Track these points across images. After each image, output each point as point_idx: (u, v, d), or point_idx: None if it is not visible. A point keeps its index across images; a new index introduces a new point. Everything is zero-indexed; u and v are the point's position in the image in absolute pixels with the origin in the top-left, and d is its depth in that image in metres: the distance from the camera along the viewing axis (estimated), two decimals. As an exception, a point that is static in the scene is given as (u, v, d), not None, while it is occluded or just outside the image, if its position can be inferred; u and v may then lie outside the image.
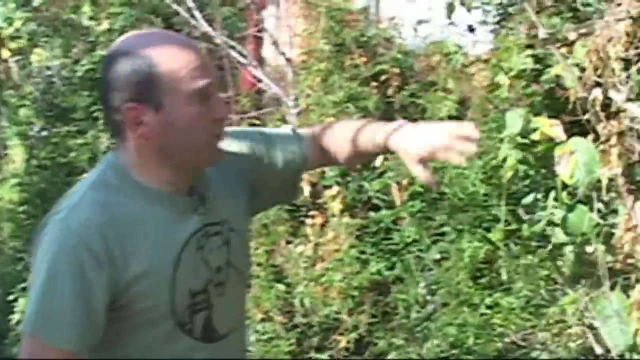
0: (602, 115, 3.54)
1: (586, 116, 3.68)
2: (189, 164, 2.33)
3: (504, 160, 4.99)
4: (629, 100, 3.41)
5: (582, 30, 4.77)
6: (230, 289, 2.41)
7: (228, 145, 2.44)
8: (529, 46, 4.94)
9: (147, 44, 2.26)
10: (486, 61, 5.23)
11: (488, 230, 5.19)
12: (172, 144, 2.27)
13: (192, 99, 2.24)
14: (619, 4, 3.59)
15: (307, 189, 5.82)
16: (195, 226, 2.33)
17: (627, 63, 3.57)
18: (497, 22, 5.22)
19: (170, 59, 2.24)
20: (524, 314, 4.95)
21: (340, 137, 2.61)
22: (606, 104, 3.62)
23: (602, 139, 3.57)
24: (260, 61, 7.58)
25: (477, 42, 5.45)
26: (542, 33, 3.78)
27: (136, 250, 2.22)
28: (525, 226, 4.70)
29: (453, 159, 2.37)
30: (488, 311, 5.09)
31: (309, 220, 5.88)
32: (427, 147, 2.36)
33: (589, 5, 4.83)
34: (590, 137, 3.79)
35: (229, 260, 2.41)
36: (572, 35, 4.75)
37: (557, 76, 4.71)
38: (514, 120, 4.29)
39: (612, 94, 3.41)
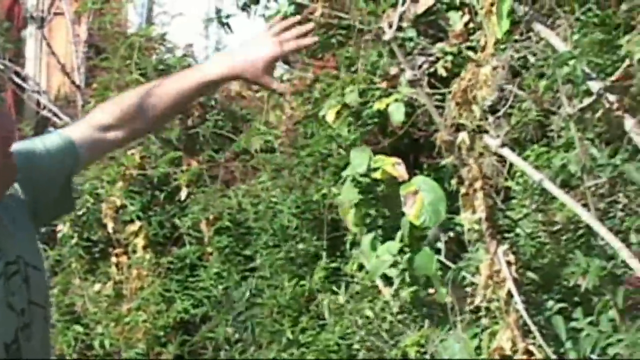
0: (468, 159, 3.47)
1: (450, 159, 3.59)
2: None
3: (324, 196, 4.90)
4: (503, 145, 3.35)
5: (402, 66, 4.74)
6: (36, 329, 2.22)
7: None
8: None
9: None
10: (301, 92, 5.09)
11: (304, 265, 5.06)
12: None
13: None
14: (484, 48, 3.54)
15: (109, 225, 5.52)
16: None
17: (491, 107, 3.53)
18: (314, 53, 5.07)
19: None
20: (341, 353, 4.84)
21: (136, 102, 2.46)
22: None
23: (467, 183, 3.48)
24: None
25: (289, 73, 5.30)
26: (409, 75, 3.66)
27: None
28: (350, 264, 4.64)
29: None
30: (305, 350, 4.95)
31: (113, 259, 5.57)
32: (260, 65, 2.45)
33: (409, 40, 4.77)
34: (454, 180, 3.73)
35: (30, 299, 2.20)
36: (393, 70, 4.72)
37: (381, 111, 4.65)
38: (359, 158, 4.18)
39: (487, 139, 3.34)
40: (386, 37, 3.69)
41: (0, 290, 2.11)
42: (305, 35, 2.53)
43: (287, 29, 2.50)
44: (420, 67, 4.83)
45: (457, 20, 4.42)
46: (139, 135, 2.61)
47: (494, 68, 3.44)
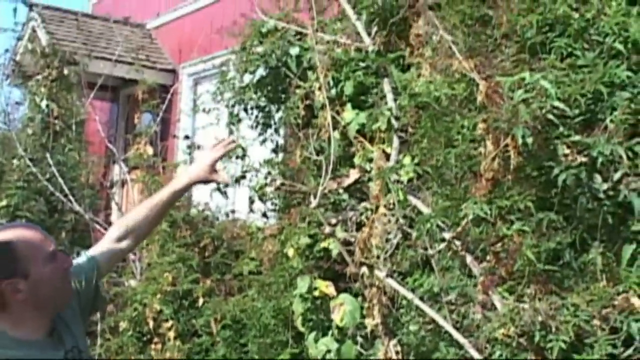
0: (367, 283, 3.51)
1: (357, 284, 3.63)
2: (56, 307, 2.21)
3: (290, 304, 4.90)
4: (388, 276, 3.39)
5: (340, 218, 4.81)
6: None
7: None
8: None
9: (5, 235, 2.16)
10: (274, 236, 5.15)
11: (280, 350, 5.02)
12: (45, 297, 2.15)
13: (47, 260, 2.15)
14: (377, 207, 3.61)
15: (151, 323, 5.51)
16: (59, 357, 2.19)
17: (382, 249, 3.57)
18: (282, 210, 5.16)
19: (25, 240, 2.14)
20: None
21: (135, 217, 2.48)
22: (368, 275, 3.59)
23: (368, 299, 3.51)
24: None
25: (266, 222, 5.37)
26: (328, 229, 3.72)
27: None
28: (307, 350, 4.62)
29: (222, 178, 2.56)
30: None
31: (153, 346, 5.54)
32: (206, 168, 2.51)
33: (343, 201, 4.85)
34: (360, 298, 3.76)
35: None
36: (333, 221, 4.78)
37: (326, 249, 4.70)
38: (303, 284, 4.23)
39: (376, 272, 3.39)
40: (312, 206, 3.76)
41: None
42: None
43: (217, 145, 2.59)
44: (350, 218, 4.93)
45: (374, 188, 4.51)
46: (141, 238, 2.57)
47: (383, 224, 3.49)
